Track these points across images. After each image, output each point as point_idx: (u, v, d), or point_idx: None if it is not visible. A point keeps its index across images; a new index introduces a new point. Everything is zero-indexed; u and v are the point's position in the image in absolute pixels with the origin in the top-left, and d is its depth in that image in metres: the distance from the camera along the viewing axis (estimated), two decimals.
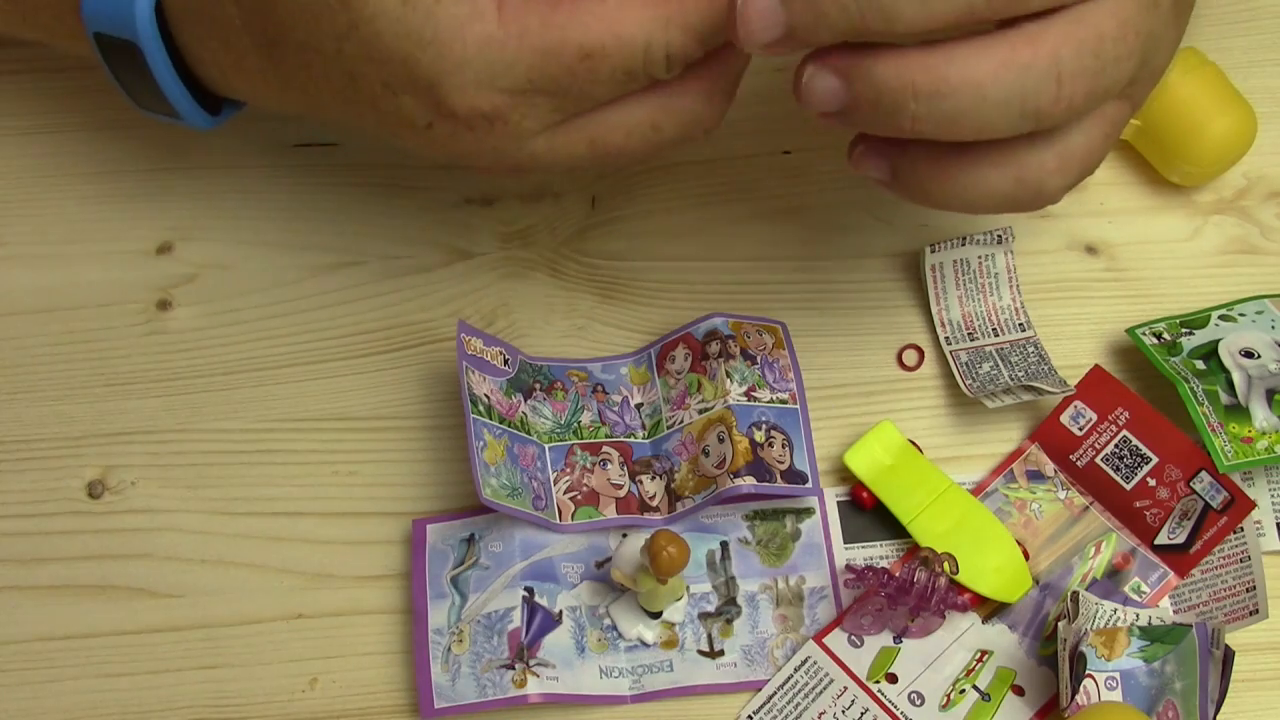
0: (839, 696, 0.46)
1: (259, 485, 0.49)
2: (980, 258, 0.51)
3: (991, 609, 0.47)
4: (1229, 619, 0.46)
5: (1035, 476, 0.49)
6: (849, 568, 0.47)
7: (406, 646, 0.47)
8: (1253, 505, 0.47)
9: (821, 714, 0.46)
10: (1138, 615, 0.45)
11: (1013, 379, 0.49)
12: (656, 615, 0.47)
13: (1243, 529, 0.47)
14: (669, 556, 0.42)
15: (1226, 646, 0.44)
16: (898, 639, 0.47)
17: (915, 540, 0.47)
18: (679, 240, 0.53)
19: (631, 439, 0.49)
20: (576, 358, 0.51)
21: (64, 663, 0.47)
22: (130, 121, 0.53)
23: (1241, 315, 0.50)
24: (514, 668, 0.45)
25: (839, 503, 0.49)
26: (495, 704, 0.45)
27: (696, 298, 0.52)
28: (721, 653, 0.47)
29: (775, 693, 0.46)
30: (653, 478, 0.48)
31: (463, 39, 0.36)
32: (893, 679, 0.46)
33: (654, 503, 0.48)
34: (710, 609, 0.47)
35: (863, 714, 0.46)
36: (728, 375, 0.49)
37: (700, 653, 0.47)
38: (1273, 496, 0.49)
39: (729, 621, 0.47)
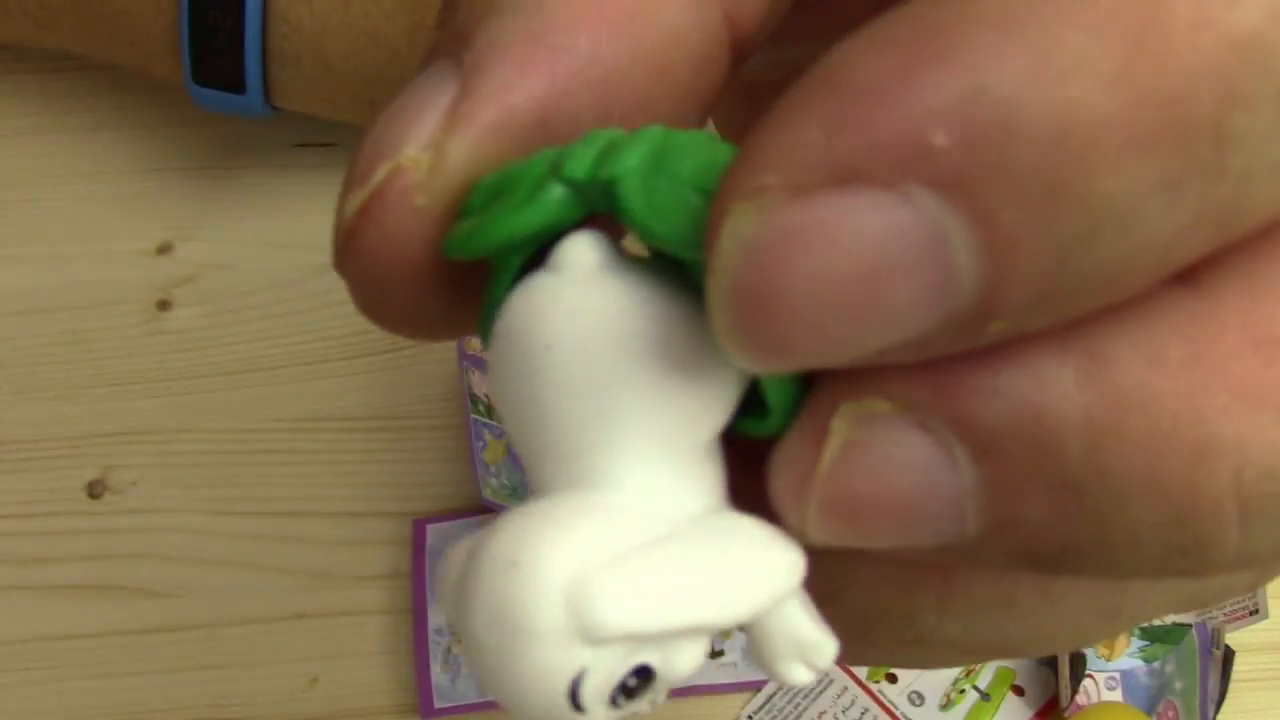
0: (839, 696, 0.46)
1: (259, 485, 0.49)
2: None
3: None
4: (1229, 619, 0.46)
5: None
6: None
7: (406, 646, 0.47)
8: None
9: (821, 714, 0.46)
10: None
11: None
12: None
13: None
14: None
15: (1226, 646, 0.44)
16: None
17: None
18: None
19: None
20: None
21: (64, 663, 0.47)
22: (130, 121, 0.53)
23: None
24: None
25: None
26: (495, 704, 0.45)
27: None
28: (721, 653, 0.47)
29: (775, 693, 0.46)
30: None
31: None
32: (893, 679, 0.46)
33: None
34: None
35: (863, 714, 0.46)
36: None
37: None
38: None
39: None
